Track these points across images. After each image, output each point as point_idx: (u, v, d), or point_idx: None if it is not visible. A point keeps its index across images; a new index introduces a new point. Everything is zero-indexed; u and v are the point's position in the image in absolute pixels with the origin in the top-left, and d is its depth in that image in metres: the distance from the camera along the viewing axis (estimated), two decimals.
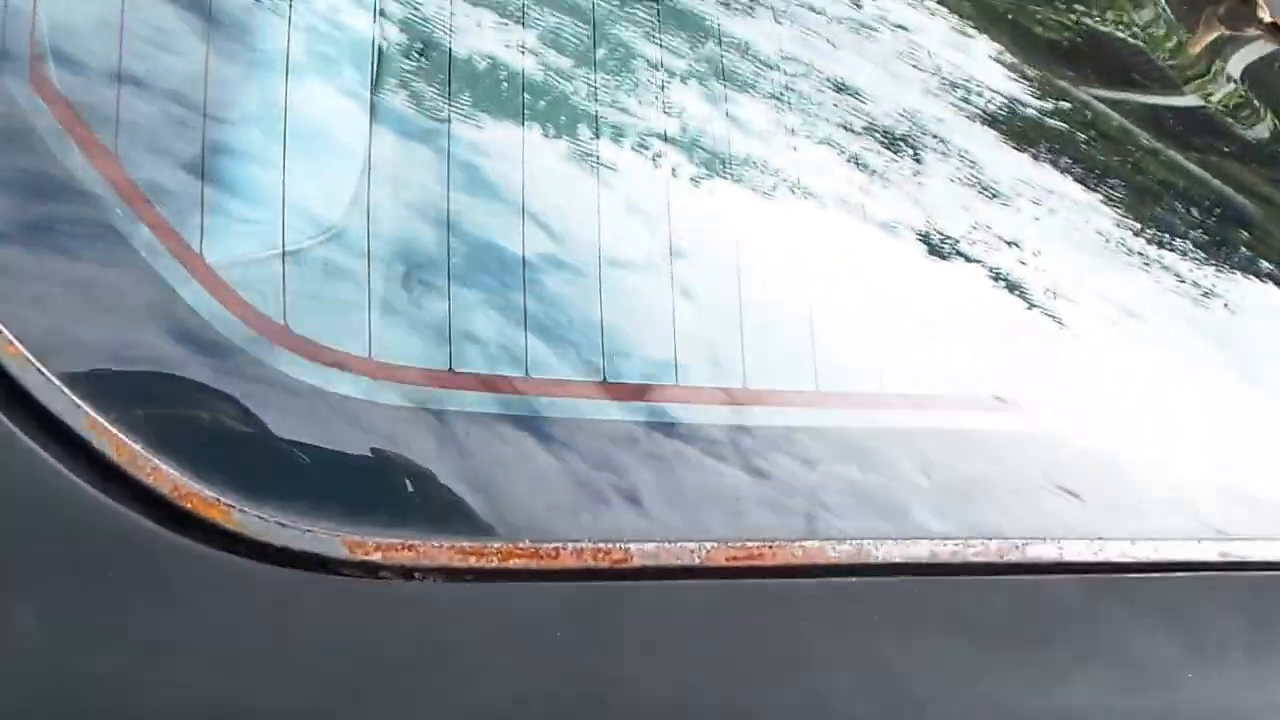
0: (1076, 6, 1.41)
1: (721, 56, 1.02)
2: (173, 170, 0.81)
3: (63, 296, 0.76)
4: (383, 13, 0.92)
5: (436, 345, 0.82)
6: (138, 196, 0.79)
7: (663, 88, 0.98)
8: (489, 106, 0.91)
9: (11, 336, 0.74)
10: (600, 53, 0.98)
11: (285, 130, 0.85)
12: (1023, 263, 1.02)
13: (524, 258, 0.86)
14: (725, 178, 0.96)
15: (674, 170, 0.94)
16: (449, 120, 0.89)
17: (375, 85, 0.89)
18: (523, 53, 0.94)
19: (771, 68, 1.04)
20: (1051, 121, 1.19)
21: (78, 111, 0.79)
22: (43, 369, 0.74)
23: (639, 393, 0.85)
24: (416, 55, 0.92)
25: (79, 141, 0.79)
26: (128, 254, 0.77)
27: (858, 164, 1.02)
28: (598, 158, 0.92)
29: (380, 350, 0.81)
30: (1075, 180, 1.13)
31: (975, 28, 1.27)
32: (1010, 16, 1.34)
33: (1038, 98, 1.21)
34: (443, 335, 0.83)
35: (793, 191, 0.98)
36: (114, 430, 0.74)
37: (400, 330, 0.83)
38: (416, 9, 0.93)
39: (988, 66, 1.22)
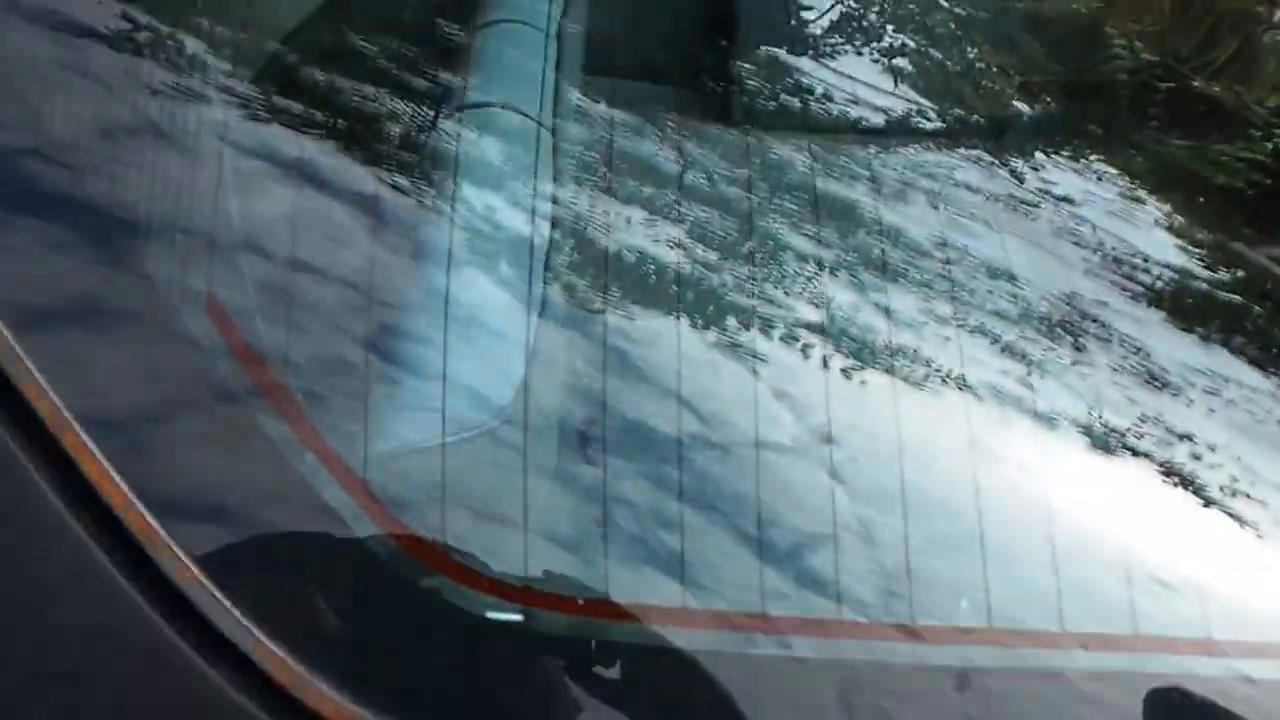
0: (1277, 130, 1.34)
1: (873, 245, 1.02)
2: (335, 370, 0.85)
3: (232, 516, 0.80)
4: (539, 213, 0.95)
5: (595, 553, 0.83)
6: (299, 417, 0.82)
7: (811, 278, 0.98)
8: (640, 298, 0.93)
9: (184, 557, 0.78)
10: (749, 244, 0.98)
11: (448, 323, 0.88)
12: (1197, 457, 0.98)
13: (679, 438, 0.87)
14: (876, 368, 0.95)
15: (824, 360, 0.94)
16: (603, 311, 0.91)
17: (533, 279, 0.91)
18: (672, 247, 0.96)
19: (925, 255, 1.03)
20: (1224, 294, 1.14)
21: (239, 325, 0.83)
22: (213, 589, 0.77)
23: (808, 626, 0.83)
24: (570, 251, 0.94)
25: (248, 369, 0.83)
26: (288, 471, 0.80)
27: (1014, 353, 0.99)
28: (748, 349, 0.93)
29: (537, 536, 0.82)
30: (1250, 362, 1.08)
31: (1145, 187, 1.23)
32: (1188, 166, 1.29)
33: (1209, 268, 1.16)
34: (598, 541, 0.83)
35: (945, 382, 0.96)
36: (278, 650, 0.76)
37: (558, 534, 0.84)
38: (570, 207, 0.96)
39: (1155, 235, 1.18)
